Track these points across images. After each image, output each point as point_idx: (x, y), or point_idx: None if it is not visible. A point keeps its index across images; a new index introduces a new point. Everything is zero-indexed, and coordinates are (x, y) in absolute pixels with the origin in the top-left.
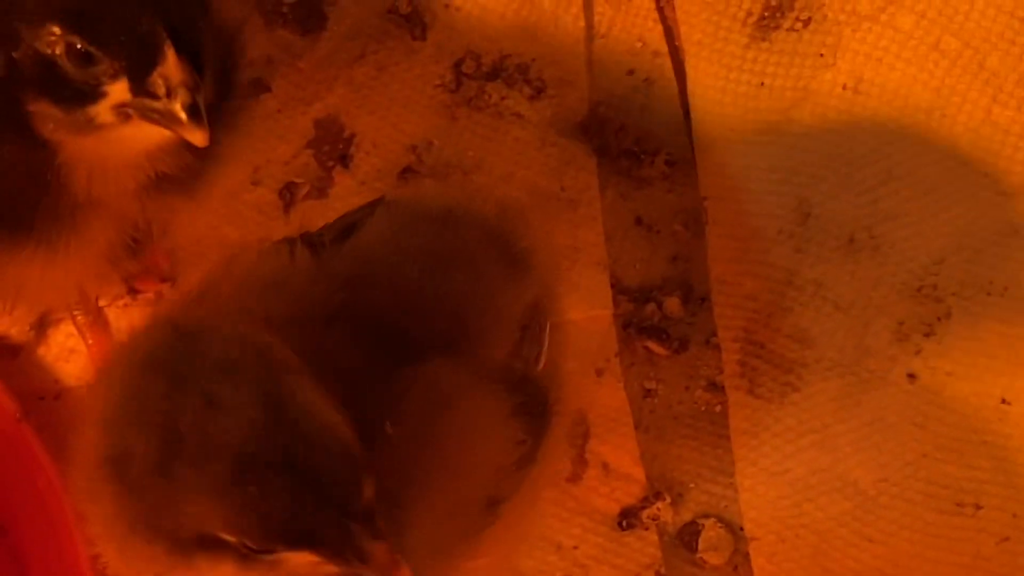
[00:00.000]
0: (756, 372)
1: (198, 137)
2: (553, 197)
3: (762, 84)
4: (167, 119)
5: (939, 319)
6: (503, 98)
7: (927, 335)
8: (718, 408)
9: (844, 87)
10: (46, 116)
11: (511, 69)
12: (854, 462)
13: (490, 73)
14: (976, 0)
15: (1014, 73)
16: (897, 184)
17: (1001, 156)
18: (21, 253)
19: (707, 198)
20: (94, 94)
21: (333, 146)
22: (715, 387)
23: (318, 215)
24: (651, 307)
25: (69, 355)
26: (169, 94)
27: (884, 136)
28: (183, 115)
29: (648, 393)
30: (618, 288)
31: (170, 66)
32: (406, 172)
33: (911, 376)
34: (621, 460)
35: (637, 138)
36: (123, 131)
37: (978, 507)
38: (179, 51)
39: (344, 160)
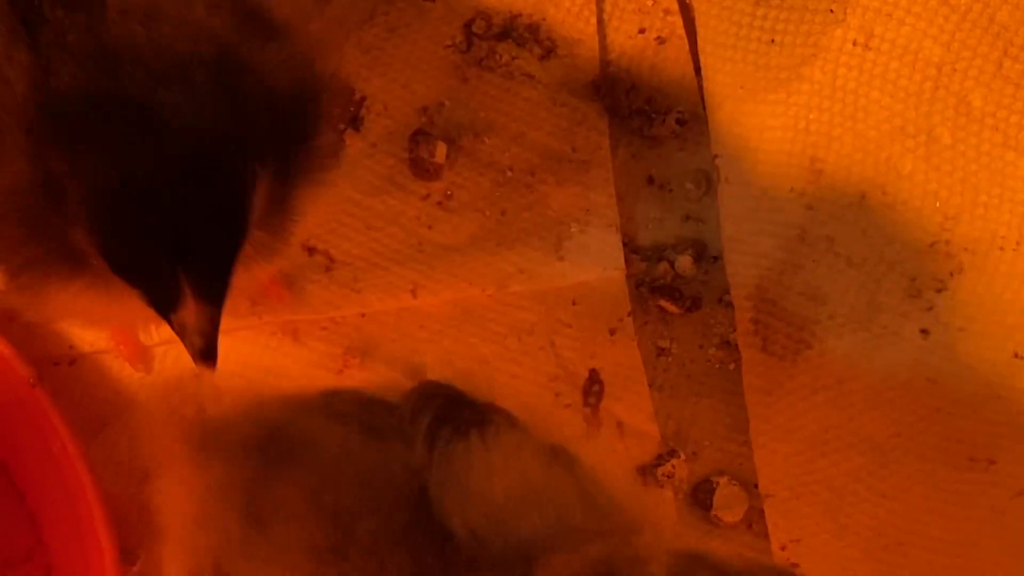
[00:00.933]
0: (769, 330)
1: (205, 373)
2: (565, 158)
3: (772, 41)
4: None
5: (951, 275)
6: (514, 58)
7: (939, 291)
8: (732, 366)
9: (854, 43)
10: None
11: (521, 29)
12: (868, 418)
13: (501, 33)
14: None
15: None
16: (909, 141)
17: (1013, 110)
18: (73, 286)
19: (719, 156)
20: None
21: (344, 108)
22: (728, 345)
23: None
24: (664, 266)
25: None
26: (184, 335)
27: (895, 92)
28: (194, 356)
29: (662, 352)
30: (630, 247)
31: (188, 313)
32: (417, 134)
33: (924, 332)
34: (635, 418)
35: (648, 97)
36: None
37: (992, 462)
38: (202, 294)
39: (355, 122)
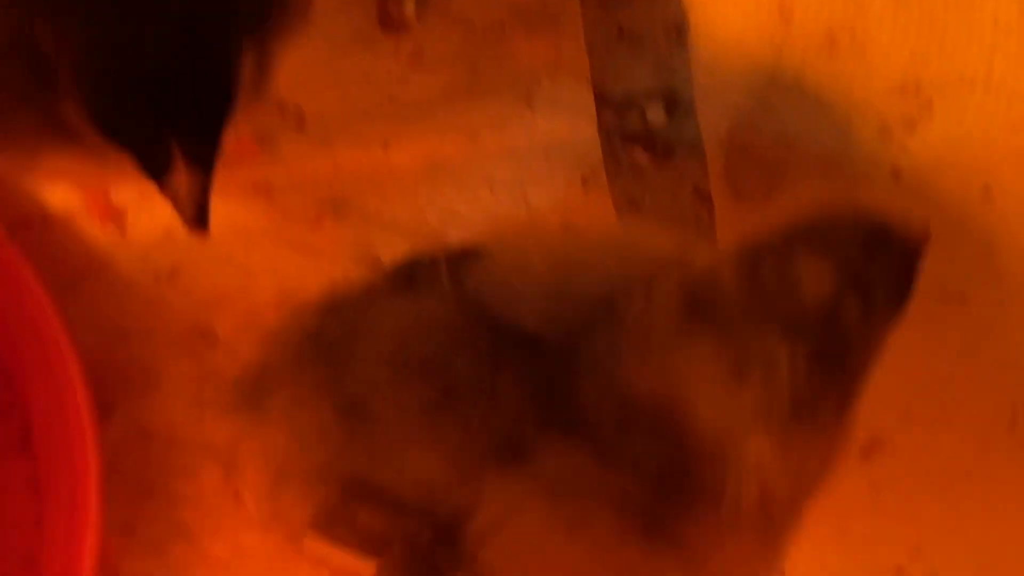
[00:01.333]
0: (741, 176)
1: (196, 235)
2: (534, 11)
3: None
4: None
5: (921, 115)
6: None
7: (910, 131)
8: (704, 214)
9: None
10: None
11: None
12: None
13: None
14: None
15: None
16: None
17: None
18: (61, 155)
19: (689, 6)
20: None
21: None
22: (700, 193)
23: None
24: (635, 116)
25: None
26: (176, 200)
27: None
28: (186, 221)
29: (634, 201)
30: (601, 99)
31: (179, 177)
32: None
33: (895, 172)
34: None
35: None
36: None
37: (963, 298)
38: (192, 160)
39: None
